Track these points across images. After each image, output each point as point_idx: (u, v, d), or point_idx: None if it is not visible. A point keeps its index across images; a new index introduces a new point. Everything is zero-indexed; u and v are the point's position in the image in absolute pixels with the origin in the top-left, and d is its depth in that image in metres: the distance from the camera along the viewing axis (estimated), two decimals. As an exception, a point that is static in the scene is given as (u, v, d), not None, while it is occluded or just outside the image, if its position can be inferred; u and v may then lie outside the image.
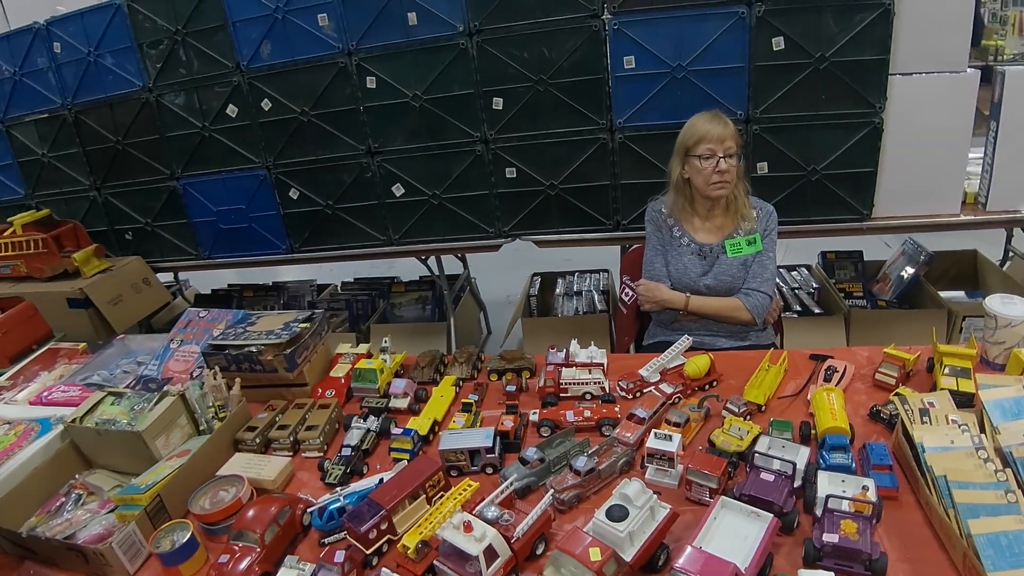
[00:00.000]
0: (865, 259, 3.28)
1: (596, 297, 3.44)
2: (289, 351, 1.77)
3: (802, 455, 1.30)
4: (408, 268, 3.49)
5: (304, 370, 1.83)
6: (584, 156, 2.63)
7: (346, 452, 1.55)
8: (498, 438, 1.48)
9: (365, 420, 1.63)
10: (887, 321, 2.89)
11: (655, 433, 1.36)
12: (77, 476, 1.53)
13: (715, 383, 1.66)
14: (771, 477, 1.24)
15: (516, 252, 3.03)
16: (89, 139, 3.07)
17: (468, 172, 2.76)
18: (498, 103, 2.61)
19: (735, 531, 1.16)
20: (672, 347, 1.73)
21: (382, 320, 3.51)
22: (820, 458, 1.32)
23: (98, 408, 1.60)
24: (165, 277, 3.99)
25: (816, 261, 3.38)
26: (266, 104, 2.79)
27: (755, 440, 1.38)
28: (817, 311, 3.04)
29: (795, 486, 1.25)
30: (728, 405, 1.51)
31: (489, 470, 1.46)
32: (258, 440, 1.62)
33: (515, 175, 2.73)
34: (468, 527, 1.13)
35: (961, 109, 2.31)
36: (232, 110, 2.84)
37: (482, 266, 4.42)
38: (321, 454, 1.61)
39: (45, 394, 1.77)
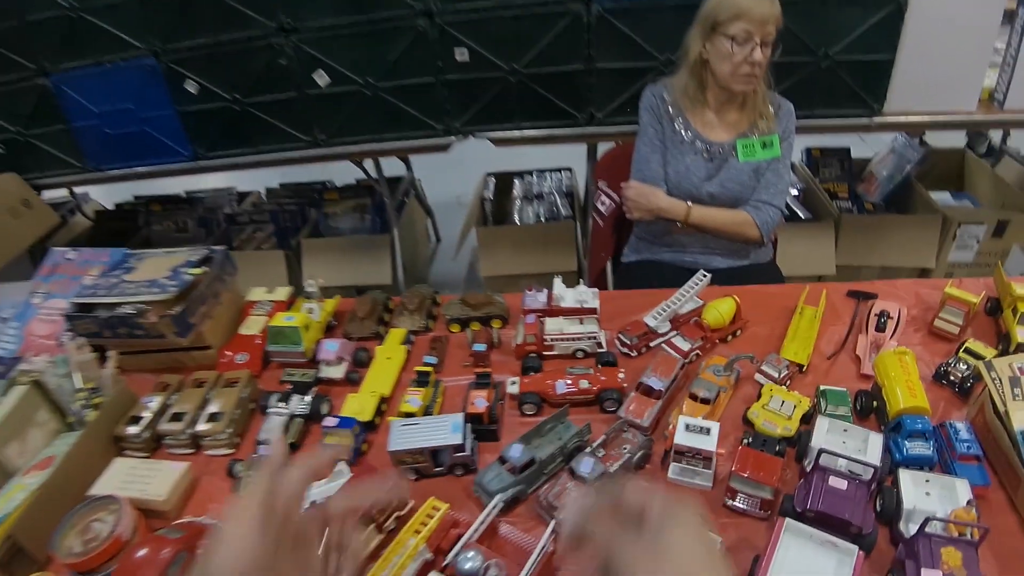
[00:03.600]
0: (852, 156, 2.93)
1: (559, 201, 3.00)
2: (179, 310, 1.29)
3: (873, 445, 0.96)
4: (344, 171, 2.93)
5: (204, 331, 1.36)
6: (553, 34, 2.09)
7: (264, 451, 1.13)
8: (469, 426, 1.09)
9: (288, 401, 1.21)
10: (878, 228, 2.58)
11: (686, 424, 0.99)
12: None
13: (739, 332, 1.30)
14: (843, 484, 0.90)
15: (466, 149, 2.53)
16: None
17: (409, 55, 2.17)
18: (444, -37, 2.00)
19: (805, 565, 0.83)
20: (686, 286, 1.33)
21: (315, 233, 2.99)
22: (893, 446, 0.99)
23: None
24: (60, 194, 3.32)
25: (800, 158, 3.00)
26: (142, -32, 2.08)
27: (804, 418, 1.04)
28: (803, 216, 2.70)
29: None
30: (764, 368, 1.15)
31: (460, 471, 1.08)
32: (146, 435, 1.18)
33: (467, 58, 2.17)
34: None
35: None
36: (100, -22, 2.11)
37: (427, 164, 3.86)
38: (231, 451, 1.19)
39: None
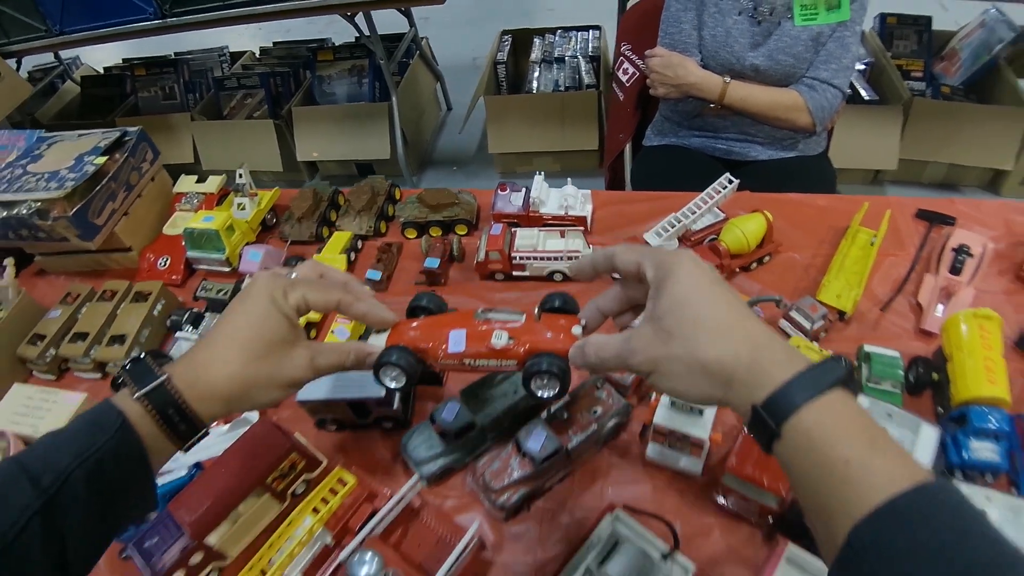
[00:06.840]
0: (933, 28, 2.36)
1: (583, 66, 2.55)
2: (78, 208, 1.04)
3: (926, 441, 0.68)
4: (347, 29, 2.49)
5: (118, 231, 1.12)
6: None
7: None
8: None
9: (196, 325, 0.98)
10: (953, 117, 2.11)
11: (671, 401, 0.72)
12: None
13: (767, 259, 0.98)
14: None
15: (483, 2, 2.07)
16: None
17: None
18: None
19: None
20: (704, 194, 0.99)
21: (308, 100, 2.64)
22: (950, 443, 0.71)
23: None
24: (43, 58, 3.05)
25: (872, 25, 2.43)
26: None
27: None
28: (867, 96, 2.21)
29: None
30: (793, 314, 0.85)
31: (388, 425, 0.86)
32: (50, 357, 0.99)
33: None
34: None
35: None
36: None
37: (439, 20, 3.36)
38: (142, 378, 1.00)
39: None
